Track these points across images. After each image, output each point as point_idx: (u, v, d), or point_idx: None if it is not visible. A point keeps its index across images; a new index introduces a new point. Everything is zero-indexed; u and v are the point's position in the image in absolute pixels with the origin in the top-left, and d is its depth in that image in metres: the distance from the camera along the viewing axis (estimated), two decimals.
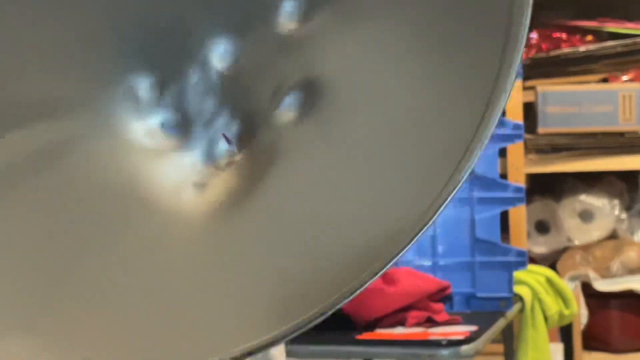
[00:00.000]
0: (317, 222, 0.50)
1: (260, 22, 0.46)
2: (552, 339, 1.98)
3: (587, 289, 2.14)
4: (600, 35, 2.33)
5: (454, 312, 1.44)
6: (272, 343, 0.47)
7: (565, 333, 2.06)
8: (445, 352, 1.14)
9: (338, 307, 0.48)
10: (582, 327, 2.09)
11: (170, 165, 0.47)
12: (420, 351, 1.17)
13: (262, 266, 0.50)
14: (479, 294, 1.49)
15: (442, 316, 1.34)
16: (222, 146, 0.47)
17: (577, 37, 2.33)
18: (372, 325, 1.29)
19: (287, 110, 0.48)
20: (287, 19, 0.47)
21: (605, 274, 2.22)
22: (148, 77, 0.45)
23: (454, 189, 0.44)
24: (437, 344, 1.17)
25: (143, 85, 0.45)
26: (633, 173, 2.32)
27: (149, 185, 0.47)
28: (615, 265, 2.23)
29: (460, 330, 1.25)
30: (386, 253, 0.45)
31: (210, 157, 0.47)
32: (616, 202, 2.31)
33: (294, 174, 0.50)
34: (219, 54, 0.46)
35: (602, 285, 2.15)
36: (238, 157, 0.47)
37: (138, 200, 0.47)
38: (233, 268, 0.49)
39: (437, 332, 1.25)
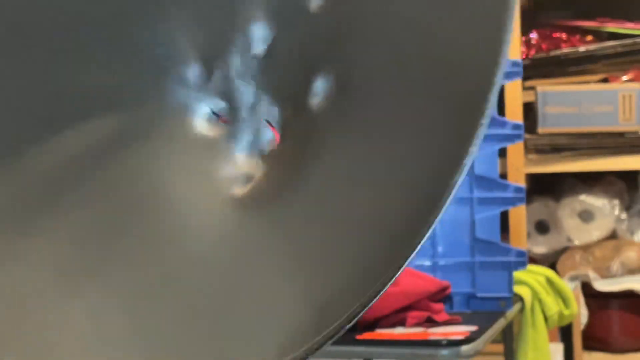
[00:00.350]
0: (346, 222, 0.51)
1: (291, 5, 0.46)
2: (552, 339, 1.97)
3: (587, 289, 2.14)
4: (600, 35, 2.33)
5: (454, 312, 1.44)
6: (309, 352, 0.48)
7: (565, 333, 2.06)
8: (445, 352, 1.14)
9: (365, 309, 0.49)
10: (582, 327, 2.09)
11: (222, 156, 0.46)
12: (420, 351, 1.17)
13: (301, 270, 0.50)
14: (479, 294, 1.49)
15: (442, 316, 1.34)
16: (267, 134, 0.46)
17: (577, 37, 2.33)
18: (372, 325, 1.29)
19: (320, 95, 0.48)
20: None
21: (605, 274, 2.22)
22: (196, 64, 0.45)
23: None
24: (437, 344, 1.17)
25: (192, 72, 0.45)
26: (633, 173, 2.32)
27: (203, 178, 0.47)
28: (615, 265, 2.23)
29: (460, 330, 1.25)
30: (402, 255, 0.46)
31: (256, 146, 0.47)
32: (616, 202, 2.31)
33: (330, 165, 0.50)
34: (257, 39, 0.45)
35: (602, 285, 2.15)
36: (278, 146, 0.47)
37: (193, 195, 0.47)
38: (276, 270, 0.49)
39: (437, 332, 1.25)
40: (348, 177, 0.50)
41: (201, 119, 0.45)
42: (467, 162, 0.50)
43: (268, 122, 0.47)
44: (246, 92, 0.46)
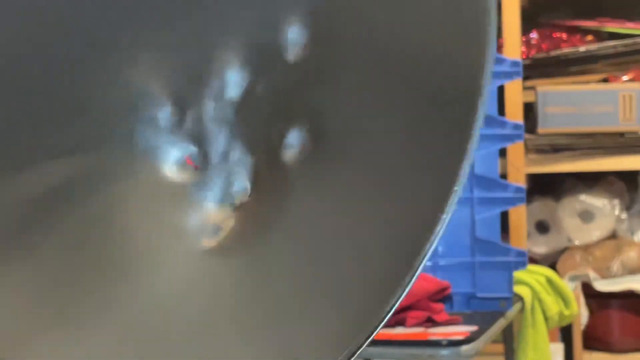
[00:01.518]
0: (316, 278, 0.52)
1: (269, 51, 0.46)
2: (552, 339, 1.97)
3: (587, 289, 2.14)
4: (600, 35, 2.33)
5: (454, 312, 1.44)
6: None
7: (565, 333, 2.06)
8: (445, 352, 1.14)
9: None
10: (582, 327, 2.09)
11: (191, 205, 0.45)
12: (420, 351, 1.17)
13: (272, 322, 0.50)
14: (479, 294, 1.49)
15: (442, 316, 1.34)
16: (238, 184, 0.46)
17: (577, 37, 2.33)
18: None
19: (294, 147, 0.48)
20: (293, 46, 0.46)
21: (606, 274, 2.22)
22: (168, 105, 0.43)
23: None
24: (437, 344, 1.17)
25: (163, 114, 0.43)
26: (633, 173, 2.32)
27: (170, 227, 0.46)
28: (615, 265, 2.23)
29: (460, 330, 1.25)
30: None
31: (227, 196, 0.46)
32: (616, 202, 2.31)
33: (302, 219, 0.50)
34: (232, 83, 0.45)
35: (602, 286, 2.15)
36: (250, 197, 0.46)
37: (160, 243, 0.46)
38: (247, 319, 0.50)
39: (437, 332, 1.25)
40: (319, 232, 0.51)
41: (171, 163, 0.44)
42: (440, 228, 0.54)
43: (239, 172, 0.46)
44: (219, 137, 0.45)
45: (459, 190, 0.53)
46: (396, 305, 0.53)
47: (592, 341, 2.15)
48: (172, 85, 0.43)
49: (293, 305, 0.51)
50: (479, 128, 0.53)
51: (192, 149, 0.44)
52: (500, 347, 1.69)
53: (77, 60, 0.41)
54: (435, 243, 0.54)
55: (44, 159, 0.41)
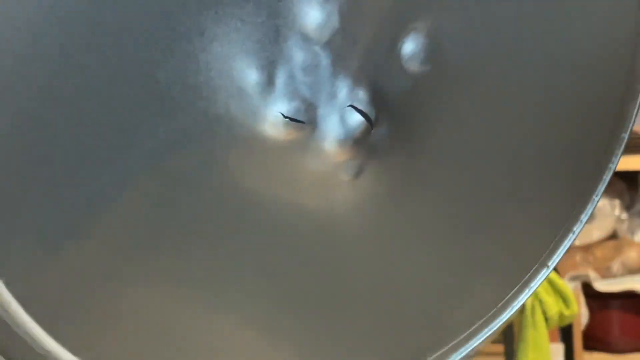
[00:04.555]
0: (471, 205, 0.49)
1: None
2: (552, 339, 1.97)
3: (588, 289, 2.13)
4: None
5: None
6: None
7: (565, 333, 2.05)
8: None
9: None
10: (582, 327, 2.09)
11: (312, 156, 0.44)
12: None
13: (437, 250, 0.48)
14: None
15: None
16: (354, 120, 0.43)
17: None
18: None
19: (412, 60, 0.44)
20: None
21: (606, 274, 2.22)
22: (251, 71, 0.42)
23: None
24: None
25: (250, 82, 0.42)
26: (633, 173, 2.32)
27: (303, 178, 0.44)
28: (615, 266, 2.23)
29: None
30: None
31: (347, 135, 0.43)
32: (616, 202, 2.31)
33: (440, 140, 0.47)
34: (314, 25, 0.42)
35: (603, 286, 2.14)
36: (373, 130, 0.44)
37: (303, 194, 0.45)
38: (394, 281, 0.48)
39: None
40: (466, 150, 0.48)
41: (272, 125, 0.42)
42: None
43: (353, 106, 0.43)
44: (319, 81, 0.43)
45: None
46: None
47: (592, 341, 2.15)
48: (249, 49, 0.42)
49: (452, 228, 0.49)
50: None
51: (292, 103, 0.42)
52: (500, 348, 1.69)
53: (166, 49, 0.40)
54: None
55: (158, 153, 0.41)
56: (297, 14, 0.42)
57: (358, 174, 0.45)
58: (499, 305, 0.50)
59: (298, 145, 0.43)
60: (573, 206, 0.51)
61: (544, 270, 0.51)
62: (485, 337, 0.50)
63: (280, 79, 0.42)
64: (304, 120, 0.43)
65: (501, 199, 0.49)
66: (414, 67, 0.44)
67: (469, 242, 0.49)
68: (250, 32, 0.41)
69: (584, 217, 0.51)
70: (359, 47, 0.43)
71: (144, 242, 0.42)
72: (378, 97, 0.44)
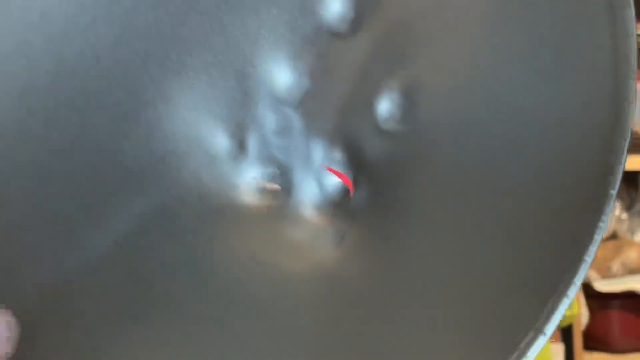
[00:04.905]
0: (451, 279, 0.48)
1: (311, 33, 0.41)
2: (552, 339, 1.97)
3: (588, 289, 2.13)
4: None
5: None
6: None
7: (565, 333, 2.05)
8: None
9: None
10: (582, 327, 2.09)
11: (291, 220, 0.42)
12: None
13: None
14: None
15: None
16: (332, 181, 0.41)
17: None
18: None
19: (389, 120, 0.43)
20: (337, 22, 0.41)
21: (606, 274, 2.22)
22: (222, 137, 0.40)
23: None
24: None
25: (220, 148, 0.40)
26: (633, 173, 2.32)
27: (284, 244, 0.42)
28: (615, 266, 2.22)
29: None
30: None
31: (326, 199, 0.42)
32: (616, 202, 2.31)
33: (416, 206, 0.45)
34: (284, 86, 0.41)
35: (603, 286, 2.14)
36: (354, 192, 0.42)
37: (286, 262, 0.43)
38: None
39: None
40: (439, 228, 0.46)
41: (247, 193, 0.41)
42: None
43: (329, 168, 0.42)
44: (293, 145, 0.41)
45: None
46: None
47: (592, 341, 2.15)
48: (219, 116, 0.40)
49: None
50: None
51: (265, 169, 0.41)
52: None
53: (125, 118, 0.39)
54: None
55: (128, 229, 0.39)
56: (266, 77, 0.40)
57: (341, 240, 0.43)
58: None
59: (276, 212, 0.42)
60: (564, 272, 0.50)
61: (541, 336, 0.49)
62: None
63: (253, 144, 0.41)
64: (279, 186, 0.41)
65: (489, 266, 0.48)
66: (390, 126, 0.43)
67: (458, 311, 0.48)
68: (218, 97, 0.40)
69: (577, 281, 0.49)
70: (332, 108, 0.42)
71: (115, 317, 0.40)
72: (355, 159, 0.42)
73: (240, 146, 0.40)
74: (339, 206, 0.42)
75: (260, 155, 0.41)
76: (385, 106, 0.43)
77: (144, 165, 0.39)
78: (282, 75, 0.40)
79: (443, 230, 0.46)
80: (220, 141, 0.40)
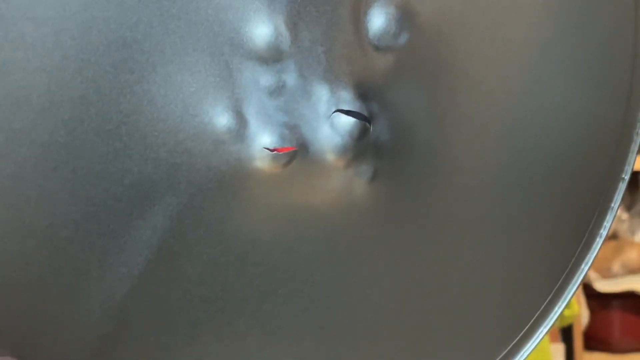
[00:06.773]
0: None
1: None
2: (552, 340, 1.97)
3: (588, 290, 2.13)
4: None
5: None
6: None
7: (566, 334, 2.05)
8: None
9: None
10: (583, 327, 2.09)
11: (320, 176, 0.41)
12: None
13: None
14: None
15: None
16: (346, 121, 0.40)
17: None
18: None
19: (384, 36, 0.40)
20: None
21: (606, 274, 2.22)
22: (218, 117, 0.39)
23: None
24: None
25: (220, 129, 0.39)
26: (633, 173, 2.31)
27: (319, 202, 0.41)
28: (616, 266, 2.23)
29: None
30: None
31: (345, 139, 0.40)
32: None
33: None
34: (264, 44, 0.39)
35: (603, 286, 2.15)
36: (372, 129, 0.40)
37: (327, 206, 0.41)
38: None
39: None
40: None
41: (262, 162, 0.40)
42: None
43: (341, 110, 0.40)
44: (293, 101, 0.40)
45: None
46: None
47: (592, 342, 2.15)
48: (209, 98, 0.39)
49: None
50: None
51: (273, 134, 0.39)
52: None
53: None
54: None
55: (156, 239, 0.39)
56: (242, 40, 0.39)
57: (373, 176, 0.42)
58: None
59: (302, 169, 0.40)
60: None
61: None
62: None
63: (251, 114, 0.39)
64: (293, 144, 0.40)
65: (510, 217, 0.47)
66: (388, 43, 0.41)
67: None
68: (203, 80, 0.39)
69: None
70: (321, 46, 0.40)
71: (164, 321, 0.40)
72: (363, 90, 0.40)
73: (239, 120, 0.39)
74: (361, 143, 0.41)
75: (262, 121, 0.39)
76: (377, 22, 0.40)
77: (152, 175, 0.39)
78: (258, 32, 0.39)
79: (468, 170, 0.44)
80: (218, 122, 0.39)
